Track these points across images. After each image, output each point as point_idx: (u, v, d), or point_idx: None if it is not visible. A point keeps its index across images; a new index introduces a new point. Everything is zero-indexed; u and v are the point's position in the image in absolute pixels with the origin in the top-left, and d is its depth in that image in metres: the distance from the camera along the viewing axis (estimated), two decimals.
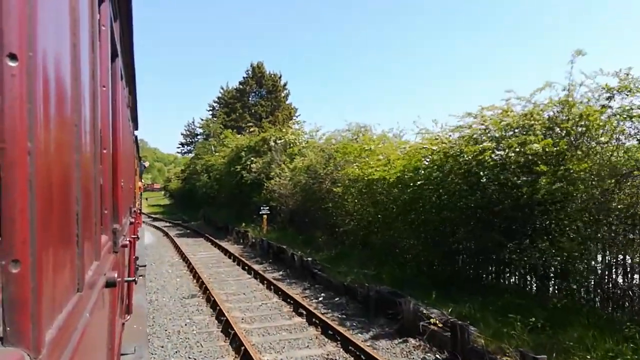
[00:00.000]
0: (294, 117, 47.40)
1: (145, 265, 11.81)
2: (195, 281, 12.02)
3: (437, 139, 10.36)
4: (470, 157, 8.75)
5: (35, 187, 0.72)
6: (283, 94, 51.37)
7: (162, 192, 69.53)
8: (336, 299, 9.74)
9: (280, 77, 51.51)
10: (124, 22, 3.12)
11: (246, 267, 13.56)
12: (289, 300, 9.60)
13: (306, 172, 16.92)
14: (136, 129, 8.02)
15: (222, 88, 53.65)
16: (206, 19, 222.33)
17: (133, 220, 5.89)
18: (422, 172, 10.24)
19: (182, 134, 62.01)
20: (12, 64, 0.66)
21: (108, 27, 2.14)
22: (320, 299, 9.88)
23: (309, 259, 12.36)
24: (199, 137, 56.53)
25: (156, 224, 32.51)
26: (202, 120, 54.99)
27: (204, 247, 18.83)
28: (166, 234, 24.35)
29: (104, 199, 1.97)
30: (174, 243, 19.98)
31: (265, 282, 11.45)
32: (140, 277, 8.27)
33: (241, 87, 51.55)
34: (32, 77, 0.71)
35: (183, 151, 62.52)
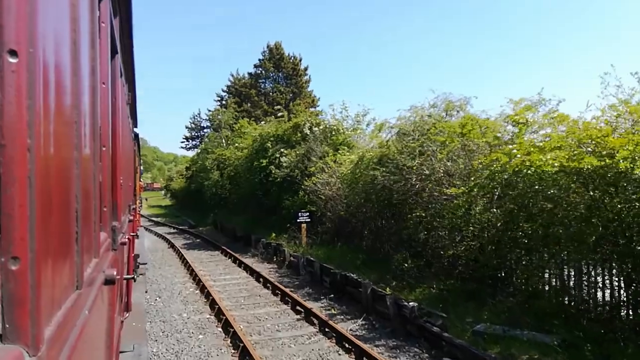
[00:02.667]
0: (317, 107, 41.07)
1: (146, 263, 11.47)
2: (229, 341, 7.29)
3: None
4: None
5: (35, 184, 0.72)
6: (304, 79, 44.48)
7: (162, 192, 68.52)
8: None
9: (300, 60, 44.76)
10: (124, 19, 3.11)
11: (300, 308, 8.88)
12: None
13: (383, 165, 11.47)
14: (135, 126, 8.00)
15: (232, 75, 46.77)
16: (207, 11, 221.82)
17: (132, 217, 5.89)
18: None
19: (186, 127, 53.59)
20: (12, 60, 0.66)
21: (108, 24, 2.13)
22: None
23: (413, 304, 7.35)
24: (205, 130, 49.69)
25: (158, 229, 27.34)
26: (210, 111, 47.26)
27: (224, 267, 14.16)
28: (171, 245, 19.57)
29: (103, 197, 1.97)
30: (183, 259, 15.45)
31: (348, 345, 6.88)
32: (140, 276, 8.28)
33: (256, 71, 44.95)
34: (32, 73, 0.71)
35: (188, 146, 54.48)
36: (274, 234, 16.45)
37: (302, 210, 14.68)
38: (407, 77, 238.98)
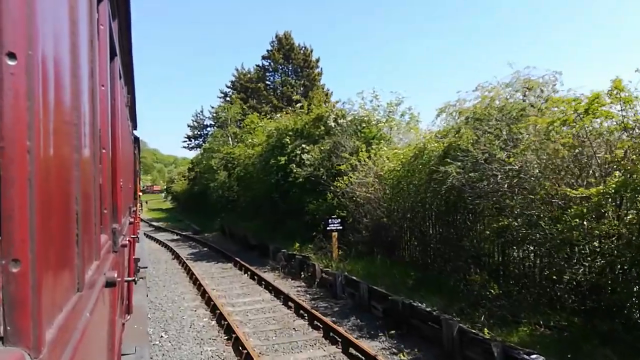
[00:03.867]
0: (330, 102, 36.31)
1: (146, 267, 11.18)
2: None
3: None
4: None
5: (35, 186, 0.72)
6: (315, 72, 41.28)
7: (163, 195, 67.88)
8: None
9: (311, 52, 41.58)
10: (123, 21, 3.11)
11: (355, 352, 6.58)
12: None
13: (455, 159, 8.72)
14: (135, 128, 8.01)
15: (237, 70, 43.50)
16: (206, 9, 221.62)
17: (132, 220, 5.90)
18: None
19: (188, 126, 50.07)
20: (11, 62, 0.66)
21: (107, 26, 2.13)
22: None
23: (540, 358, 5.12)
24: (209, 129, 47.16)
25: (159, 236, 24.94)
26: (213, 108, 43.62)
27: (241, 285, 11.88)
28: (176, 255, 17.28)
29: (103, 199, 1.97)
30: (190, 274, 13.21)
31: None
32: (141, 279, 8.26)
33: (264, 63, 41.88)
34: (31, 76, 0.71)
35: (191, 146, 50.46)
36: (297, 244, 13.96)
37: (332, 217, 12.33)
38: (409, 76, 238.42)
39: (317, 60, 41.98)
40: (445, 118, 11.01)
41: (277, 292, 10.52)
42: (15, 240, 0.67)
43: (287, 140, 17.11)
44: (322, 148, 15.56)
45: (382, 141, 14.63)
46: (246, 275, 13.05)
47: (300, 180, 15.30)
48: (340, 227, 12.13)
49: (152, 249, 19.61)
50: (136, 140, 8.78)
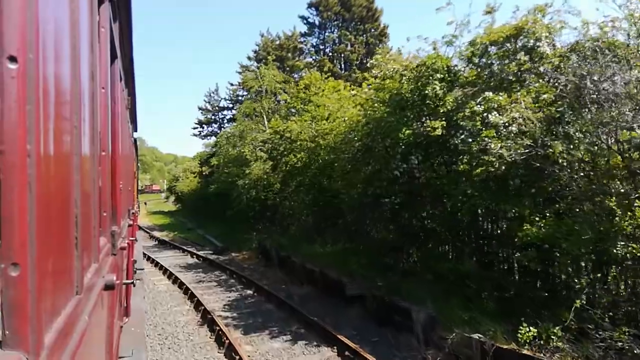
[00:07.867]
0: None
1: (143, 269, 10.75)
2: None
3: None
4: None
5: (35, 190, 0.72)
6: (382, 26, 30.71)
7: (163, 195, 66.49)
8: None
9: (373, 1, 30.88)
10: (124, 23, 3.12)
11: None
12: None
13: None
14: (135, 130, 8.00)
15: (262, 36, 33.27)
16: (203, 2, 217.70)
17: (132, 222, 5.89)
18: None
19: (199, 109, 39.61)
20: (11, 66, 0.66)
21: (107, 29, 2.13)
22: None
23: None
24: (225, 112, 37.99)
25: (165, 258, 16.37)
26: (232, 85, 34.25)
27: None
28: (203, 314, 9.11)
29: (102, 202, 1.97)
30: None
31: None
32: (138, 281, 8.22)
33: (311, 14, 31.57)
34: (31, 79, 0.71)
35: (203, 133, 40.11)
36: (528, 330, 5.89)
37: None
38: None
39: (381, 11, 31.38)
40: None
41: None
42: (15, 244, 0.66)
43: (437, 87, 8.96)
44: (546, 96, 7.39)
45: None
46: None
47: (495, 168, 7.24)
48: None
49: (157, 294, 11.13)
50: (134, 142, 8.76)
